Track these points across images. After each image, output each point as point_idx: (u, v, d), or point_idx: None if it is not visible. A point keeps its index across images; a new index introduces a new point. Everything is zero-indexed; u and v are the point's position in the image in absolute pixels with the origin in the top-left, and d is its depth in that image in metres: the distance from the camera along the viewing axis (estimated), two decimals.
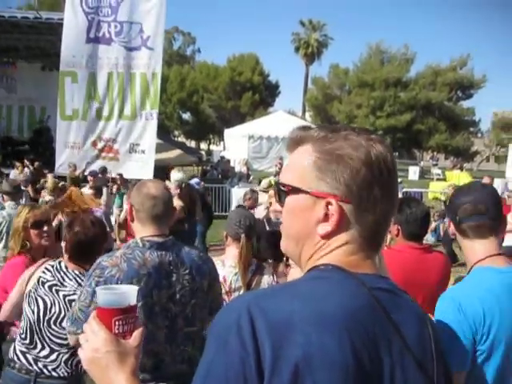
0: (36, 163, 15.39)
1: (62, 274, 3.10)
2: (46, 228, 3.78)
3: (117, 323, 1.17)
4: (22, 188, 8.81)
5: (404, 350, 1.06)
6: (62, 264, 3.14)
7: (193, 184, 10.12)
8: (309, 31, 55.43)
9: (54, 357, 3.00)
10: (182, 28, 58.95)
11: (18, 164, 14.63)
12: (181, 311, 2.56)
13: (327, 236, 1.12)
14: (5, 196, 6.32)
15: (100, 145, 16.48)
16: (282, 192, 1.18)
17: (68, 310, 2.92)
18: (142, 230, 2.59)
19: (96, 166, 14.59)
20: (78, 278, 3.07)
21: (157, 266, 2.48)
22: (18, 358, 3.05)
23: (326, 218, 1.11)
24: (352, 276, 1.07)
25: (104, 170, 13.25)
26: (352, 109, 44.71)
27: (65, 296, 3.03)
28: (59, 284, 3.06)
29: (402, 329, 1.07)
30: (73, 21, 15.97)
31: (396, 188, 1.16)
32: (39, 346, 3.03)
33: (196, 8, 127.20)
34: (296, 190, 1.14)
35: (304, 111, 54.05)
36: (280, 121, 29.38)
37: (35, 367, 3.01)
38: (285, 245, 1.22)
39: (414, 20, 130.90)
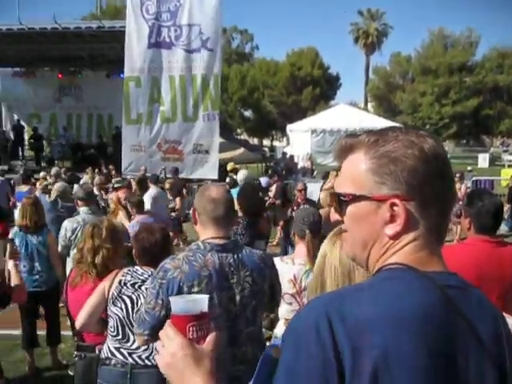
0: (111, 167, 15.85)
1: (140, 273, 3.30)
2: None
3: (191, 329, 1.22)
4: (96, 193, 9.10)
5: (479, 348, 1.07)
6: (136, 267, 3.35)
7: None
8: (368, 21, 54.52)
9: (145, 346, 3.08)
10: (240, 26, 58.94)
11: (88, 170, 15.11)
12: (241, 312, 2.60)
13: (396, 236, 1.14)
14: (79, 202, 6.55)
15: (165, 146, 16.84)
16: (343, 202, 1.20)
17: None
18: (204, 233, 2.66)
19: (160, 167, 14.95)
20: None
21: (217, 268, 2.53)
22: (113, 354, 3.23)
23: (393, 218, 1.13)
24: (423, 275, 1.08)
25: (176, 171, 13.45)
26: (416, 97, 43.74)
27: (147, 289, 3.15)
28: (140, 281, 3.25)
29: (476, 326, 1.08)
30: (134, 28, 16.41)
31: (453, 177, 1.20)
32: (131, 339, 3.17)
33: (252, 5, 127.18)
34: (357, 198, 1.16)
35: (366, 102, 53.28)
36: (342, 113, 29.06)
37: (130, 359, 3.19)
38: (351, 250, 1.24)
39: (477, 2, 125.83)
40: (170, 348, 1.21)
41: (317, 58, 48.82)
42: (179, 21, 16.43)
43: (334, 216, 1.30)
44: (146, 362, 3.16)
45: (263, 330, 3.08)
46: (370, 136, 1.17)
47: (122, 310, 3.22)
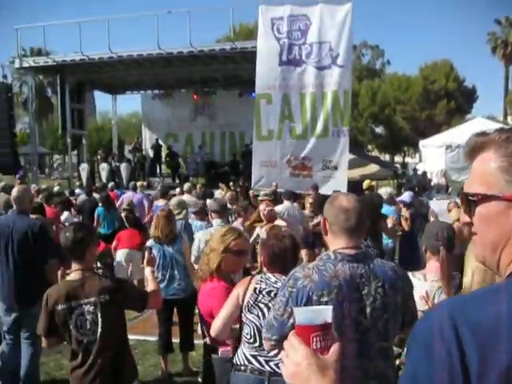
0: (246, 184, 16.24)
1: (273, 281, 3.28)
2: (244, 258, 4.00)
3: (314, 339, 1.22)
4: (229, 206, 9.43)
5: None
6: (269, 275, 3.34)
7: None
8: (506, 29, 51.53)
9: (274, 351, 3.02)
10: (370, 41, 58.27)
11: (222, 185, 15.63)
12: (373, 325, 2.50)
13: None
14: (213, 214, 6.83)
15: (294, 163, 16.97)
16: (472, 202, 1.16)
17: None
18: (335, 243, 2.61)
19: (292, 183, 15.05)
20: None
21: (348, 279, 2.46)
22: (249, 361, 3.22)
23: None
24: None
25: (316, 187, 13.53)
26: None
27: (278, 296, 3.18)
28: (275, 289, 3.21)
29: None
30: (266, 46, 16.79)
31: None
32: None
33: (382, 19, 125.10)
34: (487, 198, 1.12)
35: (505, 115, 50.20)
36: (479, 128, 27.03)
37: (267, 367, 3.17)
38: (481, 254, 1.19)
39: None
40: (295, 358, 1.22)
41: (451, 71, 47.00)
42: (310, 38, 16.59)
43: (464, 218, 1.22)
44: None
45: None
46: (502, 133, 1.12)
47: (258, 317, 3.22)
